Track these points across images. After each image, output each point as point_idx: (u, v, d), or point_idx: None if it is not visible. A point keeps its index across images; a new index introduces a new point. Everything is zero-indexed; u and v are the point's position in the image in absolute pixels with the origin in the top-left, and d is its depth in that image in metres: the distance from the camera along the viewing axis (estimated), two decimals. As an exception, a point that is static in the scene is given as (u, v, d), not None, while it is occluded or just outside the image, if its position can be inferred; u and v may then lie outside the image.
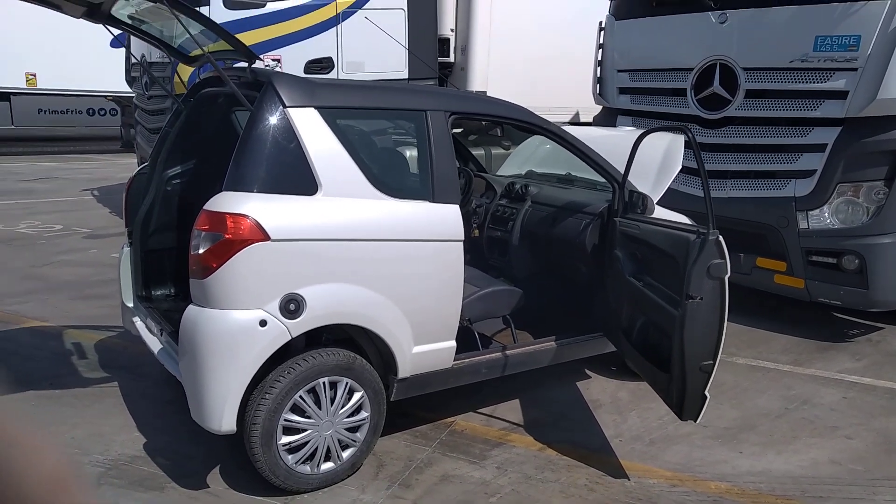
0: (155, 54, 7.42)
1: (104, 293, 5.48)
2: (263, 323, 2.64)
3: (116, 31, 3.65)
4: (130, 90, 9.40)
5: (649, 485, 3.08)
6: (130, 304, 3.68)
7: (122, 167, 13.50)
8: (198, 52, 3.45)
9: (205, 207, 2.67)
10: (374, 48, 7.20)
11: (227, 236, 2.58)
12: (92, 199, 9.97)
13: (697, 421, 2.97)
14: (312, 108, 2.83)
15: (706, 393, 2.87)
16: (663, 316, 2.91)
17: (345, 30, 7.18)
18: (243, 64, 3.26)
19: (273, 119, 2.76)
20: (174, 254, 3.75)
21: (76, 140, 17.46)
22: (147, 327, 3.45)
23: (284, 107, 2.78)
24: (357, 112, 3.13)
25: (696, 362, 2.82)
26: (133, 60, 8.31)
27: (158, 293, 3.76)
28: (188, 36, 3.44)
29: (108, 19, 3.34)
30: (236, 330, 2.62)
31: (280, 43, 6.98)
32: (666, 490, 3.05)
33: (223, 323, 2.62)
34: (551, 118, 5.47)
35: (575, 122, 8.37)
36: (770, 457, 3.37)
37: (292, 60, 6.85)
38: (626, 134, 4.17)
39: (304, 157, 2.77)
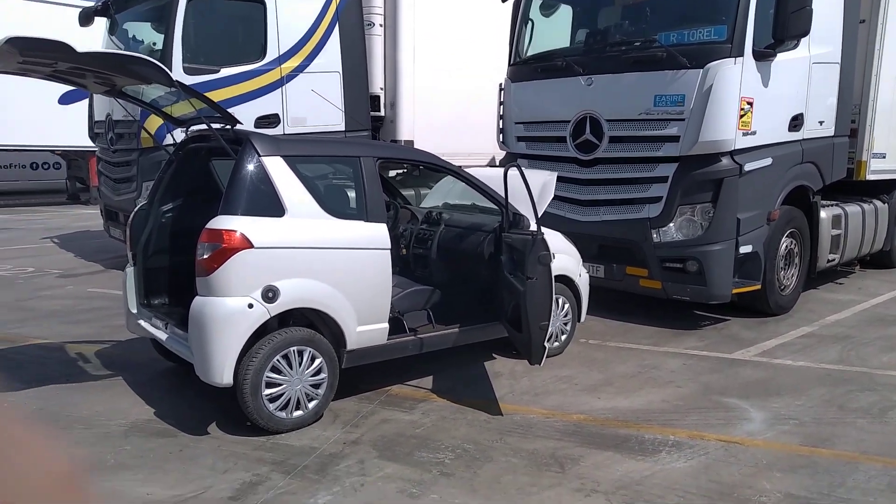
0: (118, 113, 8.43)
1: (91, 318, 6.44)
2: (251, 306, 3.79)
3: (124, 102, 4.78)
4: (93, 144, 10.29)
5: (531, 418, 4.31)
6: (135, 311, 4.72)
7: (75, 217, 14.21)
8: (188, 116, 4.62)
9: (206, 226, 3.82)
10: (315, 105, 8.43)
11: (223, 245, 3.74)
12: (53, 245, 10.74)
13: (541, 364, 4.29)
14: (279, 157, 4.05)
15: (545, 344, 4.18)
16: (517, 293, 4.21)
17: (289, 90, 8.38)
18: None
19: (251, 165, 3.96)
20: (167, 271, 4.85)
21: (20, 193, 17.93)
22: (153, 325, 4.52)
23: (259, 156, 3.98)
24: (311, 158, 4.37)
25: (537, 322, 4.12)
26: (96, 118, 9.24)
27: (156, 301, 4.83)
28: (177, 101, 4.61)
29: (121, 94, 4.48)
30: (232, 311, 3.75)
31: (233, 102, 8.09)
32: (541, 420, 4.28)
33: (223, 307, 3.75)
34: (471, 162, 6.82)
35: (492, 164, 9.73)
36: (619, 399, 4.65)
37: (243, 117, 7.96)
38: (514, 172, 5.51)
39: (275, 190, 3.96)
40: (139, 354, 5.31)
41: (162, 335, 4.38)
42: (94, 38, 8.56)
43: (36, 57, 3.52)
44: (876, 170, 7.96)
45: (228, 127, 4.21)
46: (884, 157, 8.05)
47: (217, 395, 4.18)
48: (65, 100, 14.70)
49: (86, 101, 12.33)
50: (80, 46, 3.38)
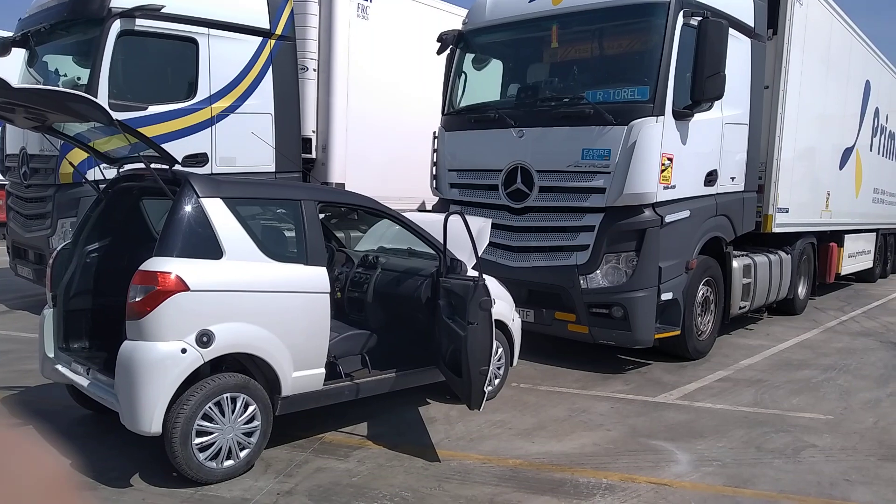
0: (34, 147, 8.07)
1: (-4, 362, 6.00)
2: (184, 350, 3.66)
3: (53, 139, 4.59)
4: (3, 178, 9.76)
5: (467, 464, 4.31)
6: (52, 355, 4.46)
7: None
8: (120, 153, 4.49)
9: (140, 268, 3.69)
10: (245, 145, 8.36)
11: (158, 287, 3.62)
12: (-49, 284, 10.00)
13: (481, 409, 4.33)
14: (219, 198, 3.98)
15: (485, 389, 4.23)
16: (457, 338, 4.25)
17: (219, 129, 8.25)
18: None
19: (190, 206, 3.87)
20: (90, 314, 4.62)
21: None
22: (72, 370, 4.27)
23: (198, 197, 3.90)
24: (251, 200, 4.32)
25: (477, 367, 4.17)
26: (8, 151, 8.80)
27: (76, 345, 4.58)
28: (104, 136, 4.48)
29: (48, 130, 4.31)
30: (164, 356, 3.61)
31: (160, 140, 7.86)
32: (478, 465, 4.29)
33: (154, 351, 3.61)
34: (401, 206, 6.87)
35: (422, 209, 9.85)
36: (553, 443, 4.73)
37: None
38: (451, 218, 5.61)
39: (213, 232, 3.88)
40: (52, 401, 5.00)
41: (83, 381, 4.15)
42: (10, 69, 8.21)
43: (-35, 90, 3.37)
44: (780, 223, 8.56)
45: (167, 167, 4.11)
46: (787, 212, 8.67)
47: (139, 443, 3.98)
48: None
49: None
50: (14, 82, 3.25)
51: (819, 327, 9.23)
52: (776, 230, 8.49)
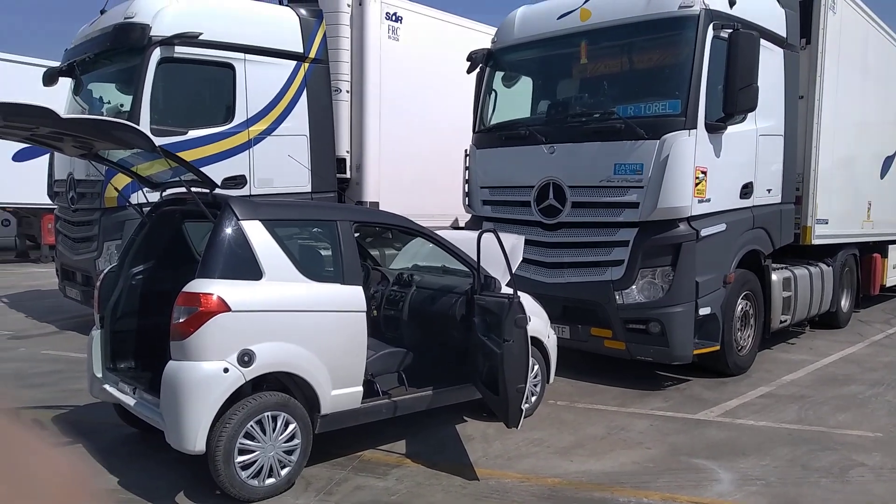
0: (81, 172, 8.35)
1: (46, 382, 6.21)
2: (226, 370, 3.74)
3: (101, 166, 4.77)
4: (49, 202, 10.10)
5: (505, 482, 4.31)
6: (100, 375, 4.59)
7: (24, 276, 13.77)
8: (163, 178, 4.64)
9: (183, 290, 3.79)
10: (282, 167, 8.56)
11: (200, 309, 3.71)
12: (2, 305, 10.36)
13: (519, 427, 4.31)
14: (257, 220, 4.08)
15: (522, 407, 4.22)
16: (493, 356, 4.27)
17: (256, 152, 8.45)
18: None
19: (230, 228, 3.98)
20: (135, 335, 4.75)
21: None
22: (119, 390, 4.40)
23: (238, 219, 4.01)
24: (289, 222, 4.42)
25: (514, 384, 4.17)
26: (57, 177, 9.12)
27: (122, 365, 4.71)
28: (145, 161, 4.63)
29: (94, 157, 4.48)
30: (207, 376, 3.70)
31: (200, 163, 8.10)
32: (517, 484, 4.28)
33: (197, 371, 3.70)
34: (434, 223, 6.93)
35: (455, 226, 9.91)
36: (591, 462, 4.69)
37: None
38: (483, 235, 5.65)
39: (253, 254, 3.98)
40: (99, 420, 5.14)
41: (129, 400, 4.27)
42: (57, 98, 8.53)
43: (19, 122, 3.53)
44: (820, 234, 8.40)
45: (207, 191, 4.23)
46: (827, 223, 8.51)
47: (184, 462, 4.07)
48: (19, 157, 14.49)
49: (40, 159, 12.21)
50: (63, 112, 3.40)
51: (864, 341, 8.99)
52: (816, 242, 8.33)
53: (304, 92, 8.80)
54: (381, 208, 8.84)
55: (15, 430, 0.66)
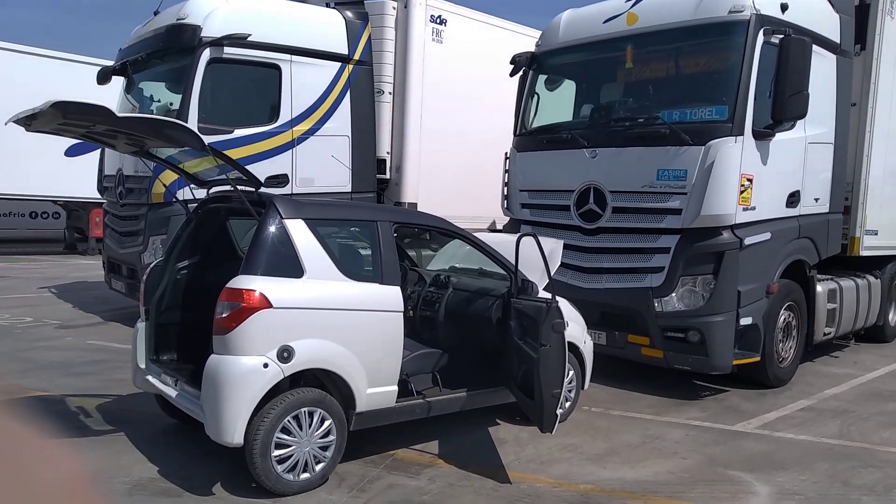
0: (129, 168, 8.60)
1: (91, 371, 6.41)
2: (266, 365, 3.82)
3: (150, 163, 4.92)
4: (96, 196, 10.44)
5: (538, 486, 4.30)
6: (143, 366, 4.73)
7: (71, 267, 14.22)
8: (209, 176, 4.76)
9: (227, 286, 3.88)
10: (323, 166, 8.67)
11: (243, 304, 3.80)
12: (51, 295, 10.73)
13: (553, 432, 4.29)
14: (300, 219, 4.15)
15: (557, 412, 4.20)
16: (529, 360, 4.26)
17: (299, 151, 8.60)
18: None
19: (274, 226, 4.06)
20: (179, 328, 4.88)
21: (18, 242, 17.99)
22: (161, 381, 4.52)
23: (282, 218, 4.09)
24: (331, 222, 4.48)
25: (550, 389, 4.16)
26: (106, 173, 9.40)
27: (165, 357, 4.84)
28: (193, 159, 4.76)
29: (145, 154, 4.62)
30: (247, 370, 3.78)
31: (244, 162, 8.22)
32: (549, 489, 4.27)
33: (238, 365, 3.79)
34: (472, 226, 6.95)
35: (493, 229, 9.91)
36: (625, 470, 4.65)
37: (253, 176, 8.19)
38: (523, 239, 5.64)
39: (295, 252, 4.05)
40: (141, 410, 5.29)
41: (171, 392, 4.39)
42: (110, 96, 8.80)
43: (76, 120, 3.66)
44: (869, 246, 8.16)
45: (253, 189, 4.33)
46: (876, 234, 8.26)
47: (222, 453, 4.16)
48: (71, 152, 14.97)
49: (90, 154, 12.59)
50: (119, 112, 3.52)
51: (913, 356, 8.70)
52: (864, 253, 8.09)
53: (348, 93, 8.92)
54: (418, 209, 8.90)
55: (10, 425, 0.65)
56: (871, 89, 7.83)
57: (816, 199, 7.02)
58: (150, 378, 4.64)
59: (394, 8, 9.42)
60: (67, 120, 3.66)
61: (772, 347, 6.62)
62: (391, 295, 4.37)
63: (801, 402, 6.37)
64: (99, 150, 9.93)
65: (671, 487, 4.37)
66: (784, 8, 6.23)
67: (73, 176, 15.12)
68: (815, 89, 6.26)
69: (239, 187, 4.30)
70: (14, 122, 3.78)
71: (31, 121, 3.64)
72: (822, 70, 6.71)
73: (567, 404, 5.50)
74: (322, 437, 4.07)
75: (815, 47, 6.28)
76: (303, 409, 3.99)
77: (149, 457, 4.48)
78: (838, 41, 7.08)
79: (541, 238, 4.74)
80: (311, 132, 8.64)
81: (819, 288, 7.30)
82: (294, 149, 8.52)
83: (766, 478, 4.56)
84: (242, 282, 3.87)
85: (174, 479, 4.15)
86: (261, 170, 8.25)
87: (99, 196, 10.13)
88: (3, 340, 7.54)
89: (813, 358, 7.95)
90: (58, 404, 5.44)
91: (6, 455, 0.61)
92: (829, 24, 6.96)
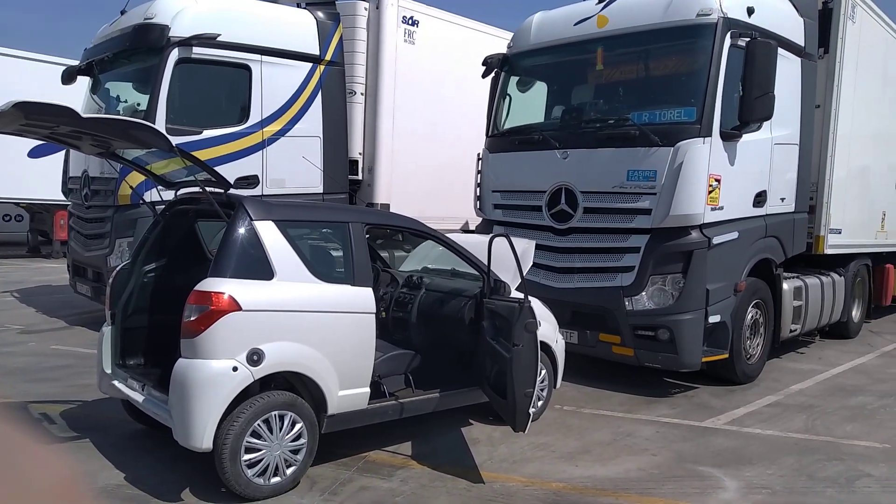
0: (95, 170, 8.43)
1: (55, 376, 6.27)
2: (235, 369, 3.77)
3: (116, 164, 4.83)
4: (61, 199, 10.22)
5: (510, 486, 4.31)
6: (109, 371, 4.64)
7: (35, 271, 13.91)
8: (178, 177, 4.69)
9: (195, 288, 3.82)
10: (294, 168, 8.59)
11: (211, 307, 3.75)
12: (13, 299, 10.48)
13: (526, 432, 4.31)
14: (270, 221, 4.11)
15: (530, 411, 4.22)
16: (502, 360, 4.27)
17: (269, 153, 8.51)
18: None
19: (243, 228, 4.01)
20: (145, 331, 4.80)
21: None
22: (128, 386, 4.44)
23: (251, 220, 4.04)
24: (301, 223, 4.45)
25: (522, 389, 4.17)
26: (71, 174, 9.21)
27: (131, 362, 4.76)
28: (160, 160, 4.69)
29: (111, 155, 4.54)
30: (216, 373, 3.73)
31: (213, 163, 8.15)
32: (521, 488, 4.28)
33: (207, 369, 3.73)
34: (444, 227, 6.94)
35: (465, 229, 9.93)
36: (597, 467, 4.68)
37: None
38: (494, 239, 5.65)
39: (265, 254, 4.01)
40: (107, 415, 5.18)
41: (138, 397, 4.31)
42: (74, 97, 8.63)
43: (39, 120, 3.58)
44: (833, 244, 8.34)
45: (222, 191, 4.27)
46: (840, 233, 8.44)
47: (190, 459, 4.10)
48: (34, 153, 14.61)
49: (54, 156, 12.33)
50: (84, 112, 3.45)
51: (875, 352, 8.91)
52: (829, 251, 8.27)
53: (319, 94, 8.85)
54: (391, 210, 8.88)
55: (6, 428, 0.65)
56: (835, 91, 8.01)
57: (782, 199, 7.15)
58: (116, 383, 4.55)
59: (365, 9, 9.38)
60: (30, 121, 3.58)
61: (740, 344, 6.72)
62: (363, 296, 4.35)
63: (768, 398, 6.49)
64: (63, 152, 9.73)
65: (642, 484, 4.42)
66: (750, 12, 6.34)
67: (37, 177, 14.76)
68: (781, 91, 6.39)
69: (208, 189, 4.23)
70: (-27, 122, 3.68)
71: (-9, 121, 3.55)
72: (788, 73, 6.84)
73: (539, 403, 5.53)
74: (293, 441, 4.04)
75: (780, 50, 6.40)
76: (273, 413, 3.95)
77: (115, 463, 4.39)
78: (803, 44, 7.23)
79: (513, 238, 4.75)
80: (282, 133, 8.56)
81: (785, 286, 7.44)
82: (265, 150, 8.43)
83: (734, 473, 4.63)
84: (211, 284, 3.82)
85: (142, 486, 4.07)
86: (231, 171, 8.13)
87: (63, 198, 9.92)
88: (-36, 346, 7.34)
89: (780, 354, 8.10)
90: (20, 411, 5.30)
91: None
92: (793, 27, 7.11)
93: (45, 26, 56.22)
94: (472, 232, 9.07)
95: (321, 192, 8.87)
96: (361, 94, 9.41)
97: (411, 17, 9.68)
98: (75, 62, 9.52)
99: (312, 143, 8.79)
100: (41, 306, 9.90)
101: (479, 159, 7.79)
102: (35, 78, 14.03)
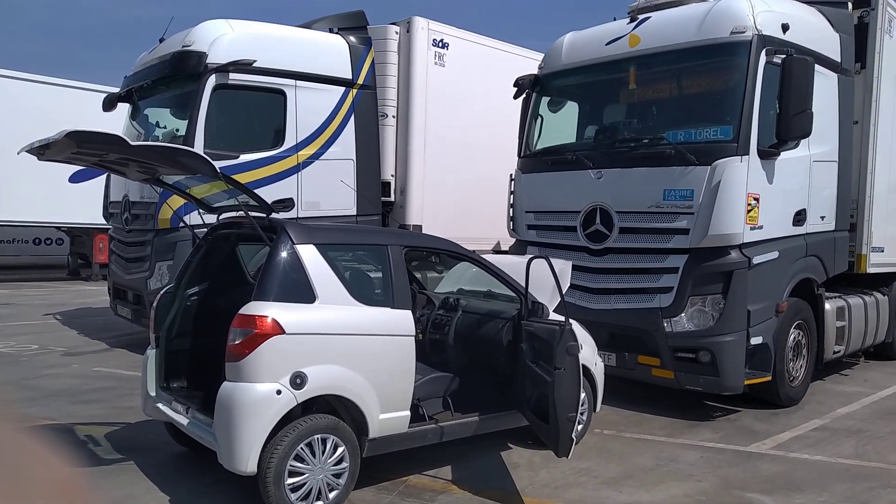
0: (136, 195, 8.62)
1: (99, 398, 6.37)
2: (279, 392, 3.79)
3: (158, 188, 4.93)
4: (101, 222, 10.45)
5: (553, 512, 4.25)
6: (153, 393, 4.70)
7: (75, 293, 14.19)
8: (220, 202, 4.77)
9: (239, 312, 3.87)
10: (328, 190, 8.70)
11: (256, 331, 3.78)
12: (56, 322, 10.70)
13: (569, 457, 4.24)
14: (312, 245, 4.15)
15: (573, 436, 4.16)
16: (543, 383, 4.23)
17: (304, 176, 8.63)
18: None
19: (285, 252, 4.06)
20: (189, 354, 4.86)
21: (21, 268, 17.99)
22: (172, 409, 4.49)
23: (293, 244, 4.08)
24: (342, 246, 4.48)
25: (565, 413, 4.12)
26: (112, 199, 9.42)
27: (175, 385, 4.81)
28: (206, 189, 4.77)
29: (155, 181, 4.64)
30: (261, 397, 3.76)
31: (250, 186, 8.30)
32: (564, 514, 4.22)
33: (252, 392, 3.76)
34: (476, 247, 6.95)
35: (497, 250, 9.92)
36: (641, 493, 4.59)
37: (258, 201, 8.22)
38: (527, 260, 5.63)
39: (307, 278, 4.04)
40: (151, 438, 5.24)
41: (182, 420, 4.35)
42: (116, 123, 8.86)
43: (90, 149, 3.68)
44: (876, 263, 8.15)
45: (264, 215, 4.33)
46: (882, 251, 8.25)
47: (232, 482, 4.11)
48: (75, 178, 15.00)
49: (94, 181, 12.63)
50: (132, 141, 3.54)
51: (923, 373, 8.65)
52: (871, 270, 8.08)
53: (352, 117, 8.98)
54: (423, 231, 8.91)
55: (13, 438, 0.65)
56: (873, 107, 7.87)
57: (822, 217, 7.03)
58: (160, 406, 4.61)
59: (396, 33, 9.51)
60: (81, 149, 3.68)
61: (782, 366, 6.58)
62: (402, 319, 4.36)
63: (814, 422, 6.32)
64: (104, 177, 9.96)
65: (688, 511, 4.32)
66: (785, 28, 6.29)
67: (77, 202, 15.13)
68: (818, 108, 6.30)
69: (251, 213, 4.29)
70: (27, 151, 3.80)
71: (44, 150, 3.66)
72: (825, 89, 6.75)
73: (579, 427, 5.45)
74: (335, 465, 4.03)
75: (816, 66, 6.32)
76: (316, 436, 3.95)
77: (160, 486, 4.43)
78: (839, 60, 7.14)
79: (539, 258, 4.73)
80: (316, 156, 8.68)
81: (828, 306, 7.28)
82: (299, 173, 8.55)
83: (784, 500, 4.51)
84: (255, 308, 3.86)
85: (186, 509, 4.10)
86: (267, 194, 8.15)
87: (103, 222, 10.14)
88: (10, 368, 7.50)
89: (823, 376, 7.90)
90: (66, 433, 5.39)
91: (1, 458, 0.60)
92: (829, 43, 7.02)
93: (85, 55, 58.04)
94: (504, 252, 9.06)
95: (355, 213, 8.96)
96: (393, 116, 9.51)
97: (441, 40, 9.78)
98: (116, 89, 9.76)
99: (346, 165, 8.89)
100: (83, 328, 10.08)
101: (511, 180, 7.80)
102: (77, 105, 14.43)
